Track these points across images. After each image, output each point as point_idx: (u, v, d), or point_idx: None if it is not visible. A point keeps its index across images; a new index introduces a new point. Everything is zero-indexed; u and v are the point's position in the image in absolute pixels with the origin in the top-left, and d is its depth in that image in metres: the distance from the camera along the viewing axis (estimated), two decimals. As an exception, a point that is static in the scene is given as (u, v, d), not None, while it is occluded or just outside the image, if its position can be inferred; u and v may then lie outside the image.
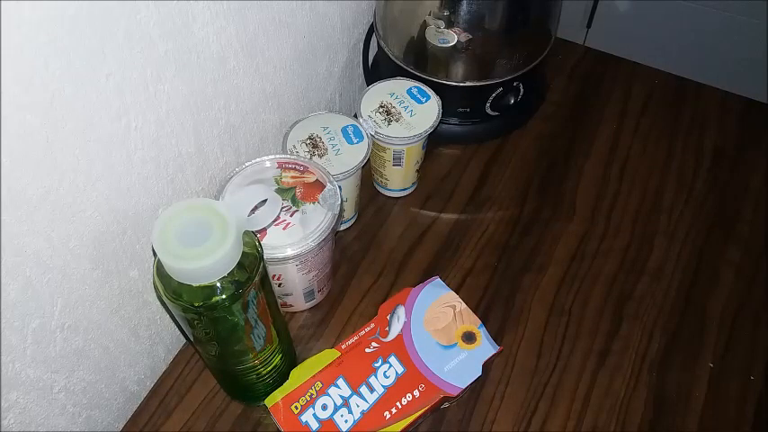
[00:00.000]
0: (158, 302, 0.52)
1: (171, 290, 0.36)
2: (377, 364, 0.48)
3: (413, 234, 0.62)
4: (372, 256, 0.60)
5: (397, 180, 0.62)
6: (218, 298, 0.36)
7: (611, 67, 0.76)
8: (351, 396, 0.47)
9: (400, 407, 0.47)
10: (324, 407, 0.46)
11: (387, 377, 0.48)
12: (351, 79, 0.71)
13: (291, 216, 0.48)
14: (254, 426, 0.51)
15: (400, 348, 0.49)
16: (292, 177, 0.50)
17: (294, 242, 0.47)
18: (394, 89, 0.60)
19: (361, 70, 0.72)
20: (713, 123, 0.71)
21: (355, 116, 0.58)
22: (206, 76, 0.46)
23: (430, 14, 0.58)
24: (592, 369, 0.54)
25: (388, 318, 0.51)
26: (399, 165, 0.60)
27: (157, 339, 0.54)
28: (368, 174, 0.64)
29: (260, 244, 0.39)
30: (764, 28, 1.13)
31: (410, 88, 0.60)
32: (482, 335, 0.50)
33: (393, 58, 0.64)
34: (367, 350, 0.49)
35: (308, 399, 0.47)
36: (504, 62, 0.62)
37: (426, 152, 0.62)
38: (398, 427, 0.46)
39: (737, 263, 0.60)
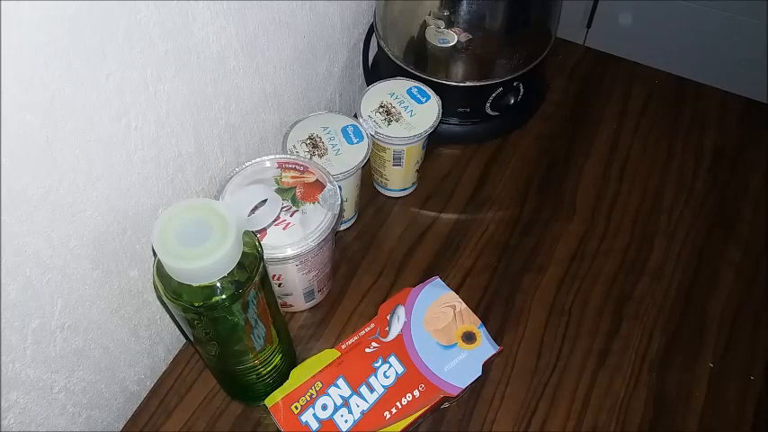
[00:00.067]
0: (158, 302, 0.52)
1: (171, 290, 0.36)
2: (377, 364, 0.48)
3: (413, 234, 0.62)
4: (372, 256, 0.60)
5: (397, 180, 0.62)
6: (218, 298, 0.36)
7: (611, 67, 0.76)
8: (351, 396, 0.47)
9: (400, 407, 0.47)
10: (324, 407, 0.46)
11: (387, 377, 0.48)
12: (351, 79, 0.71)
13: (291, 216, 0.48)
14: (254, 426, 0.51)
15: (400, 348, 0.49)
16: (292, 177, 0.50)
17: (294, 242, 0.47)
18: (394, 89, 0.60)
19: (361, 70, 0.72)
20: (713, 123, 0.71)
21: (355, 116, 0.58)
22: (206, 76, 0.46)
23: (430, 14, 0.58)
24: (592, 369, 0.54)
25: (388, 318, 0.51)
26: (399, 165, 0.60)
27: (157, 339, 0.54)
28: (368, 174, 0.64)
29: (260, 244, 0.39)
30: (764, 28, 1.13)
31: (410, 88, 0.60)
32: (482, 335, 0.50)
33: (393, 58, 0.64)
34: (367, 350, 0.49)
35: (308, 399, 0.47)
36: (504, 62, 0.62)
37: (426, 152, 0.62)
38: (398, 427, 0.46)
39: (737, 263, 0.60)
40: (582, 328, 0.56)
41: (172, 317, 0.54)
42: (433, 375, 0.48)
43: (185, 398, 0.52)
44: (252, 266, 0.38)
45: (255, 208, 0.42)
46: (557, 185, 0.66)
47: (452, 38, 0.59)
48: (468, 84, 0.62)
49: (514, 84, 0.64)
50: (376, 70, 0.71)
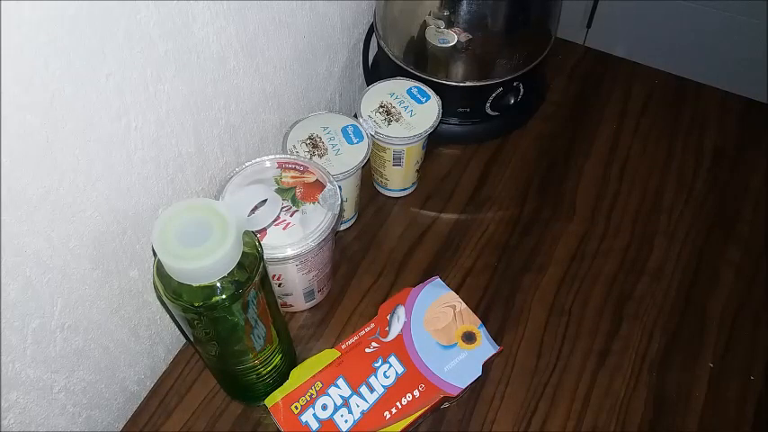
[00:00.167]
0: (158, 302, 0.52)
1: (171, 290, 0.36)
2: (377, 364, 0.48)
3: (413, 234, 0.62)
4: (372, 256, 0.60)
5: (397, 180, 0.62)
6: (218, 298, 0.36)
7: (611, 67, 0.76)
8: (351, 396, 0.47)
9: (400, 407, 0.47)
10: (324, 407, 0.46)
11: (387, 377, 0.48)
12: (351, 79, 0.71)
13: (291, 216, 0.48)
14: (254, 426, 0.51)
15: (400, 348, 0.49)
16: (292, 177, 0.50)
17: (294, 242, 0.47)
18: (394, 89, 0.60)
19: (361, 70, 0.72)
20: (713, 123, 0.71)
21: (355, 116, 0.58)
22: (206, 76, 0.46)
23: (430, 14, 0.58)
24: (592, 369, 0.54)
25: (388, 318, 0.51)
26: (399, 165, 0.60)
27: (157, 339, 0.54)
28: (368, 174, 0.64)
29: (260, 244, 0.39)
30: (764, 28, 1.13)
31: (410, 88, 0.60)
32: (482, 335, 0.50)
33: (393, 58, 0.64)
34: (367, 350, 0.49)
35: (308, 399, 0.47)
36: (504, 62, 0.62)
37: (426, 152, 0.62)
38: (398, 427, 0.46)
39: (737, 263, 0.60)
40: (582, 328, 0.56)
41: (172, 317, 0.54)
42: (433, 375, 0.48)
43: (185, 398, 0.52)
44: (252, 266, 0.38)
45: (255, 208, 0.42)
46: (557, 185, 0.66)
47: (452, 38, 0.59)
48: (468, 84, 0.62)
49: (514, 84, 0.64)
50: (376, 70, 0.71)
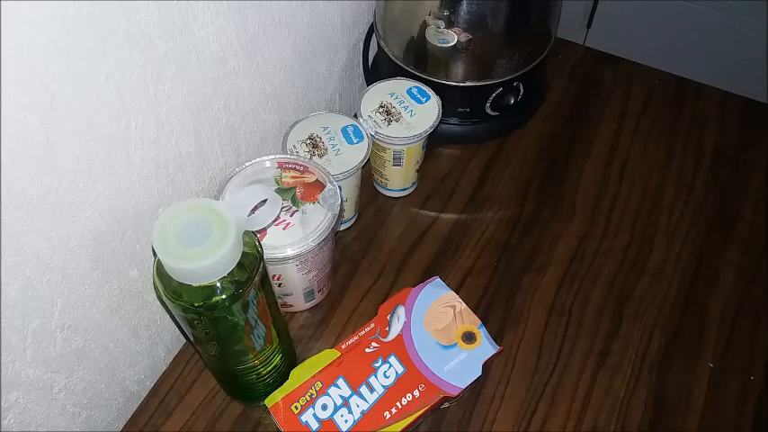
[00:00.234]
0: (158, 302, 0.52)
1: (171, 290, 0.36)
2: (377, 364, 0.48)
3: (413, 234, 0.62)
4: (372, 256, 0.60)
5: (397, 180, 0.62)
6: (218, 298, 0.36)
7: (611, 67, 0.76)
8: (351, 396, 0.47)
9: (400, 407, 0.47)
10: (324, 407, 0.46)
11: (387, 377, 0.48)
12: (351, 79, 0.71)
13: (291, 216, 0.48)
14: (254, 426, 0.51)
15: (400, 348, 0.49)
16: (292, 177, 0.50)
17: (294, 242, 0.47)
18: (394, 89, 0.60)
19: (361, 70, 0.72)
20: (713, 123, 0.71)
21: (355, 116, 0.58)
22: (206, 76, 0.46)
23: (430, 14, 0.58)
24: (592, 369, 0.54)
25: (388, 318, 0.51)
26: (399, 165, 0.60)
27: (157, 339, 0.54)
28: (368, 174, 0.64)
29: (260, 244, 0.39)
30: (764, 28, 1.13)
31: (410, 88, 0.60)
32: (482, 335, 0.50)
33: (393, 58, 0.64)
34: (367, 350, 0.49)
35: (308, 399, 0.47)
36: (504, 62, 0.62)
37: (426, 152, 0.62)
38: (398, 427, 0.46)
39: (737, 263, 0.60)
40: (582, 328, 0.56)
41: (172, 317, 0.54)
42: (433, 375, 0.48)
43: (185, 398, 0.52)
44: (252, 266, 0.38)
45: (255, 208, 0.42)
46: (557, 185, 0.66)
47: (452, 38, 0.59)
48: (468, 84, 0.62)
49: (514, 84, 0.64)
50: (376, 70, 0.71)
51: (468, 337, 0.50)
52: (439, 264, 0.60)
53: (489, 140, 0.69)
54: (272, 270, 0.49)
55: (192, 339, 0.46)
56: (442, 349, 0.49)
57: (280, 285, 0.51)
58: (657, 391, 0.53)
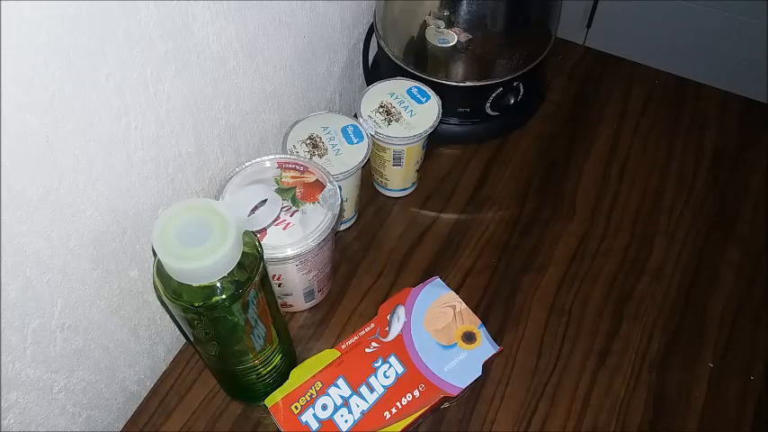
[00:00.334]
0: (158, 302, 0.52)
1: (171, 290, 0.36)
2: (377, 364, 0.48)
3: (413, 234, 0.62)
4: (372, 256, 0.60)
5: (397, 180, 0.62)
6: (218, 298, 0.36)
7: (611, 67, 0.76)
8: (351, 396, 0.47)
9: (400, 407, 0.47)
10: (324, 407, 0.46)
11: (387, 377, 0.48)
12: (351, 79, 0.71)
13: (291, 216, 0.48)
14: (254, 426, 0.51)
15: (400, 348, 0.49)
16: (292, 177, 0.50)
17: (294, 242, 0.47)
18: (394, 89, 0.60)
19: (361, 70, 0.72)
20: (713, 123, 0.71)
21: (355, 116, 0.58)
22: (206, 76, 0.46)
23: (430, 14, 0.58)
24: (592, 369, 0.54)
25: (388, 318, 0.51)
26: (399, 165, 0.60)
27: (157, 339, 0.54)
28: (368, 174, 0.64)
29: (260, 244, 0.39)
30: (764, 28, 1.13)
31: (410, 88, 0.60)
32: (482, 335, 0.50)
33: (393, 58, 0.64)
34: (367, 350, 0.49)
35: (308, 399, 0.47)
36: (504, 62, 0.62)
37: (426, 152, 0.62)
38: (398, 427, 0.46)
39: (737, 263, 0.60)
40: (582, 328, 0.56)
41: (172, 317, 0.54)
42: (433, 375, 0.48)
43: (185, 398, 0.52)
44: (252, 266, 0.38)
45: (255, 208, 0.42)
46: (557, 185, 0.66)
47: (452, 38, 0.59)
48: (468, 84, 0.62)
49: (514, 84, 0.64)
50: (376, 70, 0.71)
51: (468, 337, 0.50)
52: (439, 264, 0.60)
53: (489, 140, 0.69)
54: (272, 270, 0.49)
55: (191, 339, 0.46)
56: (442, 349, 0.49)
57: (280, 285, 0.51)
58: (657, 391, 0.53)
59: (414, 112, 0.58)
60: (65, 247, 0.40)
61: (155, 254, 0.35)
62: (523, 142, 0.69)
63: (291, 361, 0.51)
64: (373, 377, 0.48)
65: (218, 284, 0.36)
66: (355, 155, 0.54)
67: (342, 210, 0.53)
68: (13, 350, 0.39)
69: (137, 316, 0.50)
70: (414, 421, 0.47)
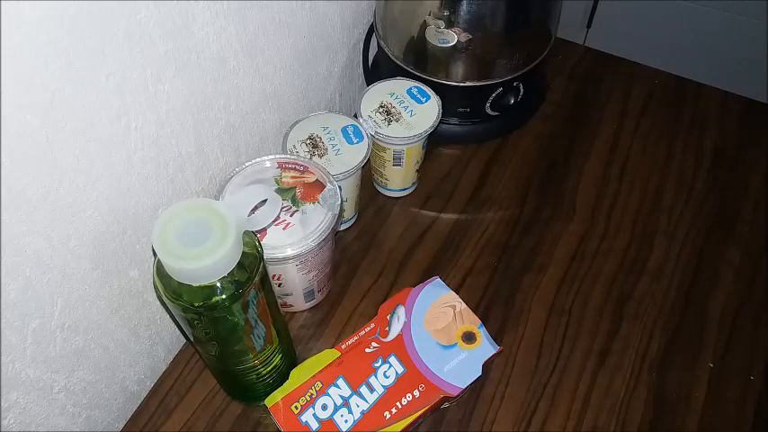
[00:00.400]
0: (158, 302, 0.52)
1: (171, 290, 0.36)
2: (377, 364, 0.48)
3: (413, 234, 0.62)
4: (372, 256, 0.60)
5: (397, 180, 0.62)
6: (218, 298, 0.36)
7: (611, 67, 0.76)
8: (351, 396, 0.47)
9: (400, 407, 0.47)
10: (324, 407, 0.46)
11: (387, 377, 0.48)
12: (351, 79, 0.71)
13: (291, 216, 0.48)
14: (254, 426, 0.51)
15: (400, 348, 0.49)
16: (292, 177, 0.50)
17: (294, 242, 0.47)
18: (394, 89, 0.60)
19: (361, 70, 0.72)
20: (713, 123, 0.71)
21: (355, 116, 0.58)
22: (206, 76, 0.46)
23: (430, 14, 0.58)
24: (592, 369, 0.54)
25: (388, 318, 0.51)
26: (399, 165, 0.60)
27: (157, 339, 0.54)
28: (368, 174, 0.64)
29: (260, 244, 0.39)
30: (764, 28, 1.13)
31: (410, 88, 0.60)
32: (482, 335, 0.50)
33: (393, 58, 0.64)
34: (367, 350, 0.49)
35: (308, 399, 0.47)
36: (504, 62, 0.62)
37: (426, 152, 0.62)
38: (398, 427, 0.46)
39: (737, 263, 0.60)
40: (582, 328, 0.56)
41: (172, 317, 0.54)
42: (433, 375, 0.48)
43: (185, 398, 0.52)
44: (252, 266, 0.38)
45: (255, 208, 0.42)
46: (557, 185, 0.66)
47: (452, 38, 0.59)
48: (468, 84, 0.62)
49: (514, 84, 0.64)
50: (376, 70, 0.71)
51: (468, 337, 0.50)
52: (439, 264, 0.60)
53: (489, 140, 0.69)
54: (272, 270, 0.49)
55: (191, 339, 0.46)
56: (442, 349, 0.49)
57: (280, 285, 0.51)
58: (657, 391, 0.53)
59: (414, 112, 0.58)
60: (65, 247, 0.40)
61: (155, 254, 0.35)
62: (523, 142, 0.69)
63: (291, 361, 0.51)
64: (373, 377, 0.48)
65: (218, 284, 0.36)
66: (355, 155, 0.54)
67: (342, 210, 0.53)
68: (13, 350, 0.39)
69: (137, 316, 0.50)
70: (414, 421, 0.47)
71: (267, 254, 0.45)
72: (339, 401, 0.47)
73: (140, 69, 0.40)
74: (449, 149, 0.68)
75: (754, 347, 0.55)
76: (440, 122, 0.58)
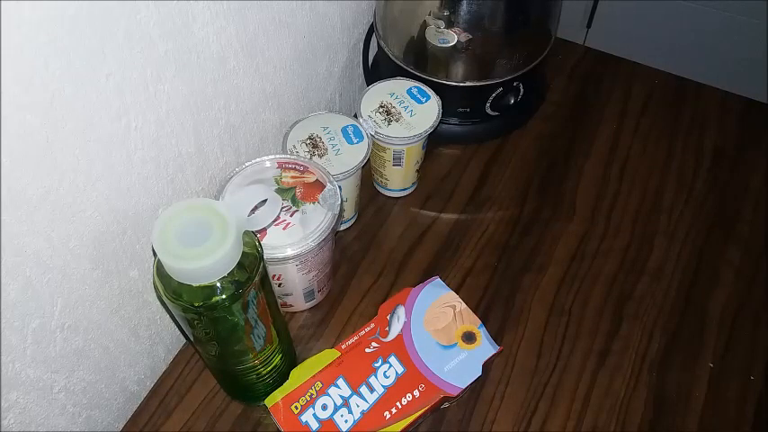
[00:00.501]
0: (158, 302, 0.52)
1: (171, 290, 0.36)
2: (377, 364, 0.48)
3: (413, 234, 0.62)
4: (372, 256, 0.60)
5: (397, 180, 0.62)
6: (218, 298, 0.36)
7: (611, 67, 0.76)
8: (351, 396, 0.47)
9: (400, 407, 0.47)
10: (324, 407, 0.46)
11: (387, 377, 0.48)
12: (351, 79, 0.71)
13: (291, 216, 0.48)
14: (254, 426, 0.51)
15: (400, 348, 0.49)
16: (292, 177, 0.50)
17: (294, 242, 0.47)
18: (394, 89, 0.60)
19: (361, 70, 0.72)
20: (713, 123, 0.71)
21: (355, 116, 0.58)
22: (206, 76, 0.46)
23: (430, 14, 0.58)
24: (592, 369, 0.54)
25: (388, 318, 0.51)
26: (399, 165, 0.60)
27: (157, 339, 0.54)
28: (368, 174, 0.64)
29: (260, 244, 0.39)
30: (764, 28, 1.13)
31: (410, 88, 0.60)
32: (482, 335, 0.50)
33: (393, 58, 0.64)
34: (367, 350, 0.49)
35: (308, 399, 0.47)
36: (504, 62, 0.62)
37: (426, 152, 0.62)
38: (398, 427, 0.46)
39: (737, 263, 0.60)
40: (582, 328, 0.56)
41: (172, 317, 0.54)
42: (433, 375, 0.48)
43: (185, 398, 0.52)
44: (252, 266, 0.38)
45: (255, 208, 0.42)
46: (557, 185, 0.66)
47: (452, 38, 0.59)
48: (468, 84, 0.62)
49: (514, 84, 0.64)
50: (376, 70, 0.71)
51: (468, 337, 0.50)
52: (439, 264, 0.60)
53: (489, 140, 0.69)
54: (272, 270, 0.49)
55: (191, 339, 0.46)
56: (442, 349, 0.49)
57: (280, 285, 0.51)
58: (657, 391, 0.53)
59: (414, 112, 0.58)
60: (65, 247, 0.40)
61: (155, 254, 0.35)
62: (523, 142, 0.69)
63: (291, 361, 0.51)
64: (373, 377, 0.48)
65: (218, 284, 0.36)
66: (355, 155, 0.54)
67: (342, 210, 0.53)
68: (13, 350, 0.39)
69: (137, 316, 0.50)
70: (414, 421, 0.47)
71: (267, 254, 0.45)
72: (339, 401, 0.47)
73: (140, 69, 0.40)
74: (449, 149, 0.68)
75: (754, 347, 0.55)
76: (440, 122, 0.58)
